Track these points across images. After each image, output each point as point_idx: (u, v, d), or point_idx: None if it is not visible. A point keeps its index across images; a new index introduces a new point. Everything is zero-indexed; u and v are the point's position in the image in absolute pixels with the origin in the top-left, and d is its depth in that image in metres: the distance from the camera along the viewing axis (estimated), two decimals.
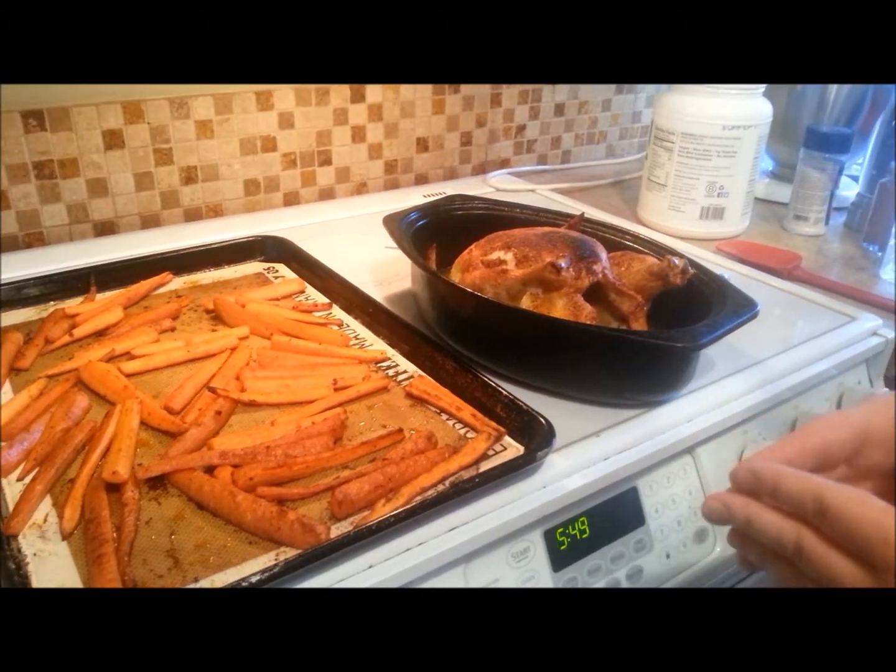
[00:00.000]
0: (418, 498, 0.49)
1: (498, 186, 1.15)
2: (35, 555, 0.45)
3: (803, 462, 0.39)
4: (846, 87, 1.09)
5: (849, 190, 1.13)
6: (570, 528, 0.55)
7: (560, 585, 0.53)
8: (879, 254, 0.95)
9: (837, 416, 0.41)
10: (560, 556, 0.54)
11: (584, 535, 0.55)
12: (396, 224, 0.72)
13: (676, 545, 0.60)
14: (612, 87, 1.35)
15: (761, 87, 0.96)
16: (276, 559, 0.44)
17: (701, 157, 0.95)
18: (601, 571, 0.56)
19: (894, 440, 0.40)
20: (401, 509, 0.47)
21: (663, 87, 1.10)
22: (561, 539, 0.54)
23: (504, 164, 1.27)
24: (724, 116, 0.93)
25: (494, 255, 0.66)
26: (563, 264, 0.59)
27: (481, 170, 1.24)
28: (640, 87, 1.38)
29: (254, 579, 0.41)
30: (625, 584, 0.57)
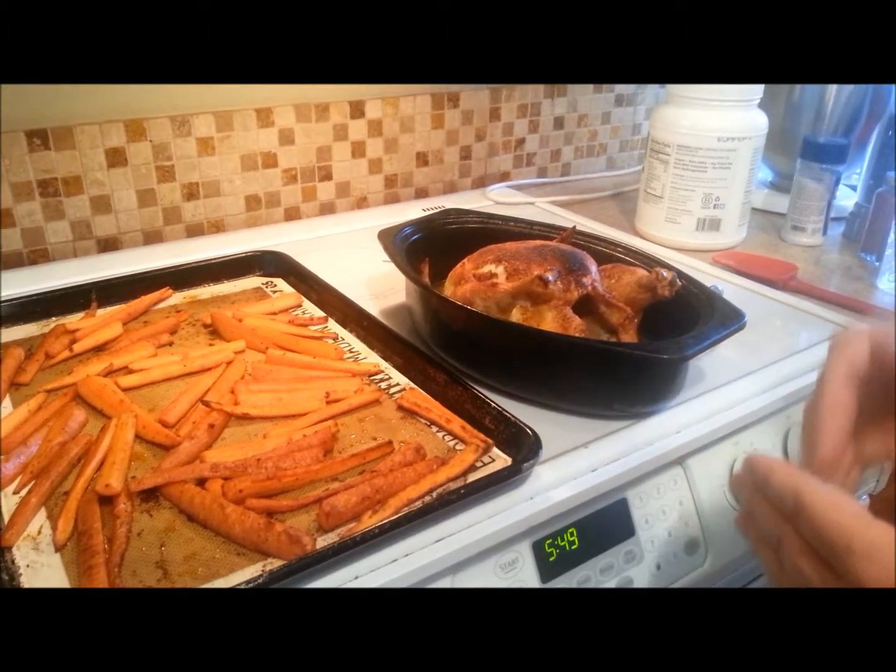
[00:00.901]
0: (405, 509, 0.50)
1: (497, 200, 1.16)
2: (28, 566, 0.46)
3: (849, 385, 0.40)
4: (843, 98, 1.09)
5: (848, 200, 1.13)
6: (558, 539, 0.55)
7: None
8: (877, 264, 0.95)
9: (857, 333, 0.42)
10: (549, 568, 0.54)
11: (574, 547, 0.56)
12: (391, 238, 0.73)
13: (667, 556, 0.60)
14: (612, 99, 1.36)
15: (756, 99, 0.96)
16: (262, 570, 0.45)
17: (697, 169, 0.96)
18: (590, 582, 0.56)
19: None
20: (386, 520, 0.47)
21: (661, 99, 1.11)
22: (549, 550, 0.55)
23: (504, 177, 1.28)
24: (719, 129, 0.94)
25: (485, 269, 0.66)
26: (550, 277, 0.60)
27: (481, 183, 1.25)
28: (639, 98, 1.39)
29: (239, 589, 0.42)
30: None
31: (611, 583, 0.57)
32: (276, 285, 0.85)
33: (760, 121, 0.96)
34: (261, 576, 0.43)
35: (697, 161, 0.96)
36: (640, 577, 0.58)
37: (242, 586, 0.42)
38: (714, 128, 0.94)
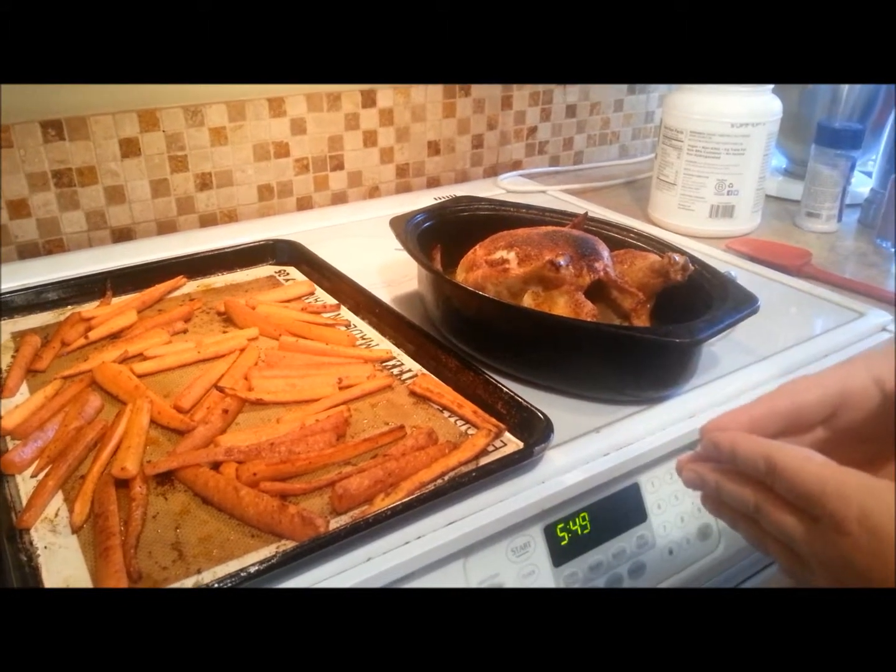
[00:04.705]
0: (417, 492, 0.50)
1: (509, 188, 1.16)
2: (46, 547, 0.47)
3: (772, 423, 0.40)
4: None
5: (863, 186, 1.12)
6: (570, 523, 0.55)
7: (561, 580, 0.54)
8: (892, 250, 0.94)
9: (811, 378, 0.41)
10: (561, 552, 0.54)
11: (586, 531, 0.56)
12: (403, 226, 0.73)
13: (679, 541, 0.60)
14: (624, 87, 1.35)
15: (770, 85, 0.96)
16: (276, 551, 0.45)
17: (710, 156, 0.95)
18: (602, 567, 0.56)
19: (875, 401, 0.40)
20: (399, 503, 0.47)
21: (673, 85, 1.10)
22: (561, 534, 0.55)
23: (516, 165, 1.28)
24: (733, 114, 0.93)
25: (497, 255, 0.66)
26: (561, 262, 0.60)
27: (493, 172, 1.25)
28: (652, 86, 1.38)
29: (252, 570, 0.42)
30: (626, 580, 0.57)
31: (622, 567, 0.57)
32: (288, 273, 0.86)
33: (774, 106, 0.96)
34: (274, 556, 0.43)
35: (711, 147, 0.95)
36: (653, 562, 0.58)
37: (257, 566, 0.42)
38: (727, 113, 0.93)
